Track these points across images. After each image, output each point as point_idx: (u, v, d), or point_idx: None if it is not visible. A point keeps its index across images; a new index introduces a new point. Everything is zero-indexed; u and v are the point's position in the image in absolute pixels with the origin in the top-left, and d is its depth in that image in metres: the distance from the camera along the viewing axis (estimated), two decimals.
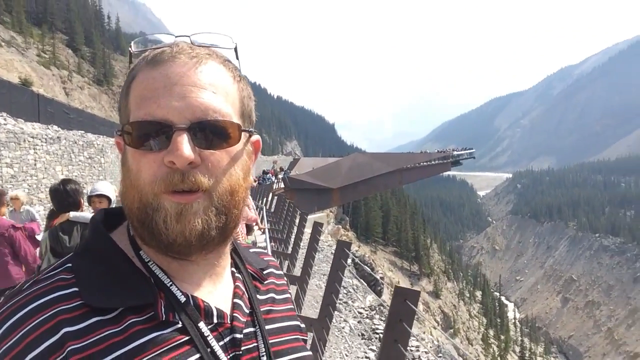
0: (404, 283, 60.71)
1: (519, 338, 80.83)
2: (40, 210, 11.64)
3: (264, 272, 0.91)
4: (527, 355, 72.19)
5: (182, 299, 0.71)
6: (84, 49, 55.57)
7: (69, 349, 0.61)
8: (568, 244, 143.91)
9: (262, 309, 0.83)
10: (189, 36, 0.76)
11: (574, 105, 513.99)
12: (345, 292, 10.20)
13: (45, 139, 13.20)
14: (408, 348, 2.45)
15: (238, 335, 0.75)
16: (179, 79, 0.70)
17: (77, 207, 3.91)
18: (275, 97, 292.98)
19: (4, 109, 14.11)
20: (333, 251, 16.84)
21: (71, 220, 3.78)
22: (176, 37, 0.76)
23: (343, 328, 8.41)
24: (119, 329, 0.65)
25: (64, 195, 3.90)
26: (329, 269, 12.26)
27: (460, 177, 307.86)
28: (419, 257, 72.59)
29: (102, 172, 14.80)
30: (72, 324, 0.63)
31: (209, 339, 0.71)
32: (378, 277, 20.44)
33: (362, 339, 8.38)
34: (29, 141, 12.45)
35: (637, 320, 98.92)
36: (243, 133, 0.75)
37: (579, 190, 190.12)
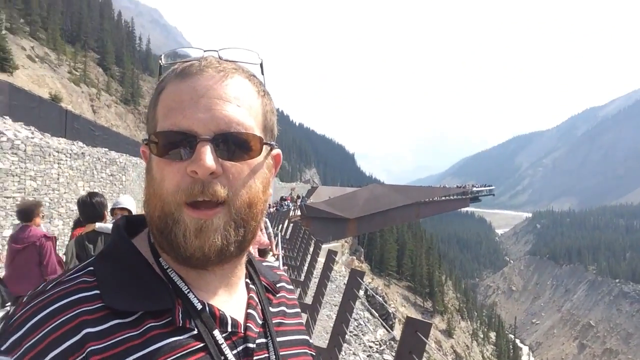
0: None
1: None
2: (59, 224, 11.82)
3: (277, 286, 0.93)
4: None
5: (199, 306, 0.73)
6: (114, 69, 57.15)
7: (89, 349, 0.63)
8: (587, 288, 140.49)
9: (273, 321, 0.85)
10: (217, 51, 0.78)
11: (597, 147, 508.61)
12: (356, 324, 10.08)
13: (70, 154, 13.49)
14: None
15: (251, 345, 0.77)
16: (206, 91, 0.72)
17: (102, 218, 4.26)
18: (297, 124, 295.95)
19: (33, 123, 14.50)
20: (346, 282, 16.73)
21: (96, 231, 4.11)
22: (205, 51, 0.79)
23: None
24: (138, 332, 0.67)
25: (91, 207, 4.24)
26: (340, 300, 12.16)
27: (478, 214, 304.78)
28: (433, 294, 71.35)
29: (123, 190, 15.02)
30: (94, 325, 0.65)
31: (222, 347, 0.72)
32: (391, 310, 20.16)
33: None
34: (53, 155, 12.73)
35: None
36: (264, 146, 0.77)
37: (600, 233, 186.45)
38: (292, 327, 0.90)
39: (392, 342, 10.33)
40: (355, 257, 47.09)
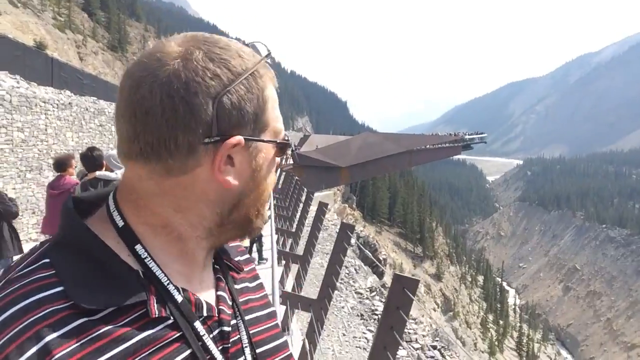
0: (407, 265, 61.08)
1: (518, 324, 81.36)
2: (49, 175, 11.76)
3: (236, 259, 0.91)
4: (524, 341, 72.71)
5: (179, 297, 0.70)
6: (99, 14, 55.30)
7: (55, 357, 0.57)
8: (574, 234, 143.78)
9: (240, 300, 0.83)
10: (266, 46, 0.76)
11: (590, 94, 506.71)
12: (347, 272, 10.30)
13: (57, 104, 13.25)
14: (406, 330, 2.49)
15: (226, 328, 0.75)
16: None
17: (101, 167, 5.29)
18: (289, 71, 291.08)
19: (18, 71, 14.14)
20: (337, 230, 16.95)
21: (97, 177, 5.14)
22: (254, 43, 0.77)
23: (342, 308, 8.51)
24: (108, 328, 0.61)
25: (92, 160, 5.27)
26: (332, 248, 12.36)
27: (470, 161, 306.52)
28: (423, 240, 72.74)
29: (113, 140, 14.87)
30: (58, 327, 0.58)
31: (202, 336, 0.70)
32: (380, 260, 20.54)
33: (360, 319, 8.48)
34: (40, 106, 12.50)
35: (636, 312, 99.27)
36: None
37: (589, 180, 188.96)
38: (258, 302, 0.88)
39: (382, 289, 10.60)
40: (347, 205, 47.59)
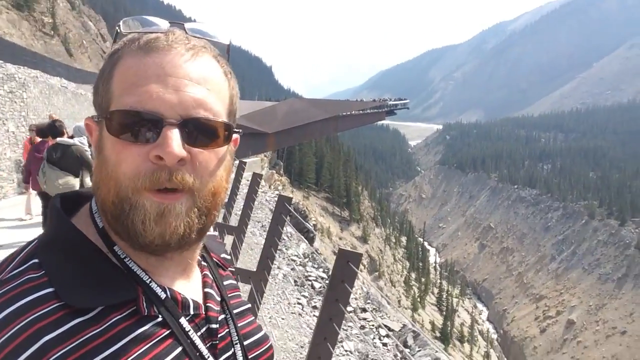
0: (335, 229, 62.42)
1: (438, 281, 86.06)
2: None
3: (222, 256, 0.92)
4: (444, 296, 77.17)
5: (162, 295, 0.69)
6: None
7: (52, 358, 0.57)
8: (489, 194, 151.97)
9: (229, 295, 0.85)
10: (183, 24, 0.73)
11: (504, 61, 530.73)
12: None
13: None
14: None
15: (213, 325, 0.75)
16: (174, 70, 0.67)
17: (62, 135, 6.53)
18: None
19: None
20: (267, 197, 16.95)
21: (58, 143, 6.39)
22: (170, 23, 0.73)
23: (277, 275, 8.62)
24: (102, 327, 0.61)
25: (55, 129, 6.57)
26: (262, 216, 12.39)
27: (393, 126, 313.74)
28: (349, 203, 74.43)
29: (25, 108, 13.85)
30: (52, 329, 0.58)
31: (189, 333, 0.70)
32: (311, 226, 20.84)
33: (295, 285, 8.65)
34: None
35: (544, 266, 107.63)
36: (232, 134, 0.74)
37: (502, 143, 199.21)
38: (240, 299, 0.89)
39: (314, 255, 10.83)
40: (274, 171, 47.51)
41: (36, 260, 0.65)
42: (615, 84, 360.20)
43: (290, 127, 45.26)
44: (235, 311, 0.83)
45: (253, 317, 0.88)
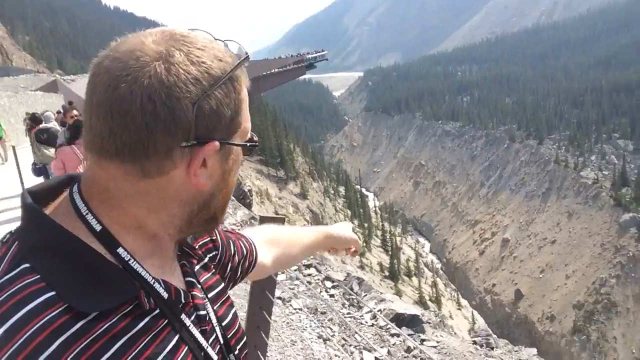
0: (273, 190, 62.34)
1: (380, 223, 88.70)
2: None
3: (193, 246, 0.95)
4: (387, 237, 79.81)
5: (164, 294, 0.72)
6: None
7: None
8: (416, 133, 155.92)
9: (200, 280, 0.87)
10: (239, 44, 0.77)
11: (414, 1, 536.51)
12: None
13: None
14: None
15: (202, 312, 0.80)
16: None
17: (41, 123, 9.88)
18: (111, 7, 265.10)
19: None
20: None
21: (41, 128, 9.20)
22: (226, 41, 0.77)
23: None
24: (105, 327, 0.63)
25: (38, 118, 10.28)
26: None
27: (316, 79, 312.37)
28: (284, 163, 74.30)
29: None
30: (61, 333, 0.59)
31: (185, 322, 0.74)
32: (246, 190, 20.71)
33: None
34: None
35: (475, 193, 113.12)
36: None
37: (422, 82, 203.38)
38: (212, 280, 0.92)
39: (252, 221, 10.75)
40: None
41: (27, 265, 0.65)
42: (519, 9, 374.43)
43: None
44: (210, 295, 0.87)
45: (226, 297, 0.92)
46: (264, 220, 2.35)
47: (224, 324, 0.86)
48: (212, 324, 0.82)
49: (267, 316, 2.57)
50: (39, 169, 9.04)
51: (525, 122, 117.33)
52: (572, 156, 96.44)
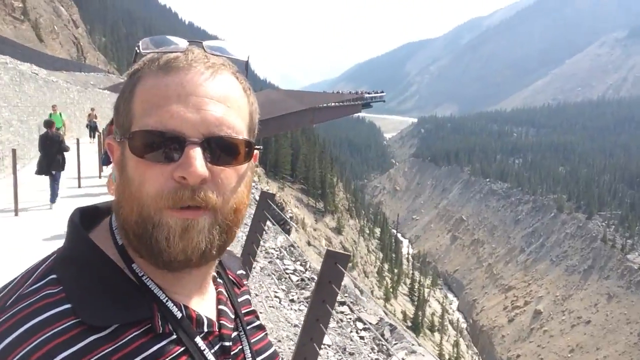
0: (309, 220, 62.56)
1: (410, 272, 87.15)
2: None
3: (237, 273, 0.93)
4: (416, 287, 78.22)
5: (178, 314, 0.70)
6: None
7: None
8: (461, 187, 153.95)
9: (243, 312, 0.86)
10: (201, 42, 0.74)
11: (479, 56, 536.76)
12: None
13: None
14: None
15: (227, 343, 0.76)
16: (195, 89, 0.67)
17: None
18: (186, 22, 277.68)
19: None
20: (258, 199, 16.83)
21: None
22: (189, 42, 0.73)
23: (254, 267, 8.65)
24: (117, 345, 0.62)
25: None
26: None
27: (369, 119, 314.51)
28: (324, 195, 74.61)
29: None
30: (68, 346, 0.58)
31: (204, 351, 0.70)
32: (288, 218, 20.84)
33: (271, 278, 8.69)
34: None
35: (513, 258, 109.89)
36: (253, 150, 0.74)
37: (475, 137, 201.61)
38: (253, 314, 0.90)
39: (292, 248, 10.87)
40: None
41: (54, 276, 0.65)
42: (586, 80, 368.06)
43: (266, 118, 44.99)
44: (248, 327, 0.84)
45: (264, 333, 0.89)
46: (331, 254, 2.46)
47: (259, 359, 0.84)
48: (244, 355, 0.79)
49: (323, 328, 2.54)
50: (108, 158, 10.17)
51: (577, 194, 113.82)
52: (621, 237, 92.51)
